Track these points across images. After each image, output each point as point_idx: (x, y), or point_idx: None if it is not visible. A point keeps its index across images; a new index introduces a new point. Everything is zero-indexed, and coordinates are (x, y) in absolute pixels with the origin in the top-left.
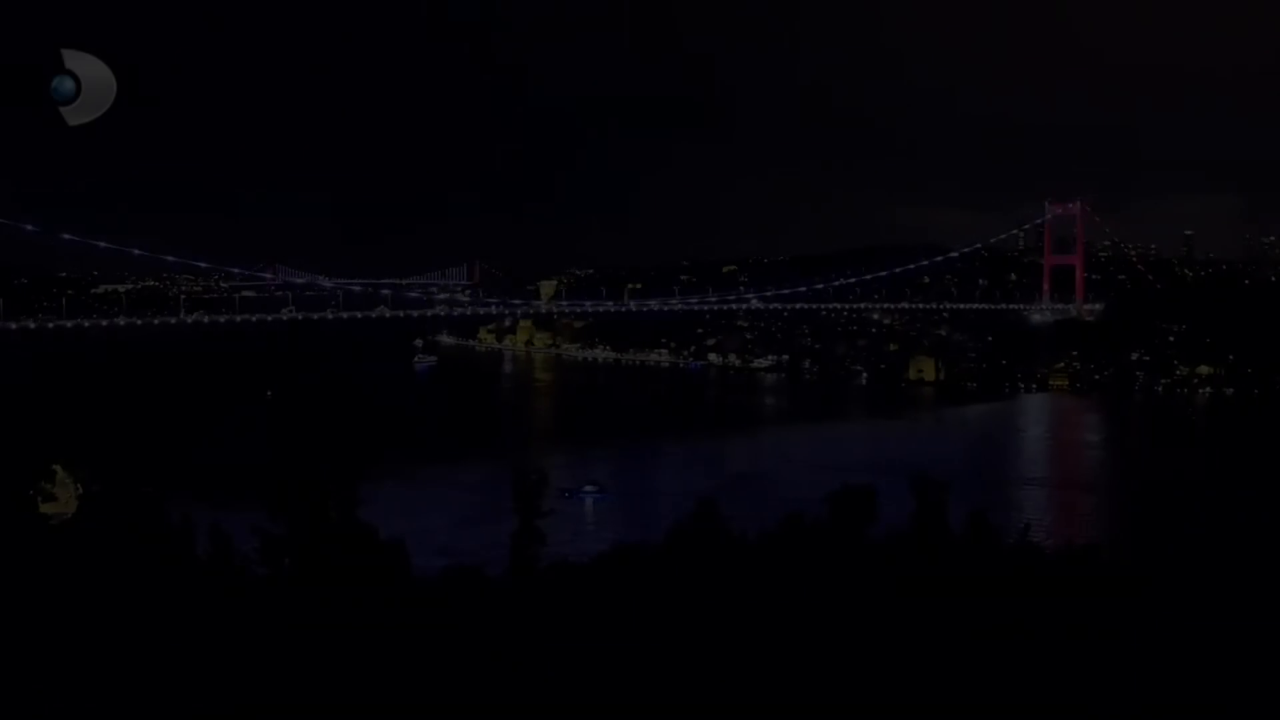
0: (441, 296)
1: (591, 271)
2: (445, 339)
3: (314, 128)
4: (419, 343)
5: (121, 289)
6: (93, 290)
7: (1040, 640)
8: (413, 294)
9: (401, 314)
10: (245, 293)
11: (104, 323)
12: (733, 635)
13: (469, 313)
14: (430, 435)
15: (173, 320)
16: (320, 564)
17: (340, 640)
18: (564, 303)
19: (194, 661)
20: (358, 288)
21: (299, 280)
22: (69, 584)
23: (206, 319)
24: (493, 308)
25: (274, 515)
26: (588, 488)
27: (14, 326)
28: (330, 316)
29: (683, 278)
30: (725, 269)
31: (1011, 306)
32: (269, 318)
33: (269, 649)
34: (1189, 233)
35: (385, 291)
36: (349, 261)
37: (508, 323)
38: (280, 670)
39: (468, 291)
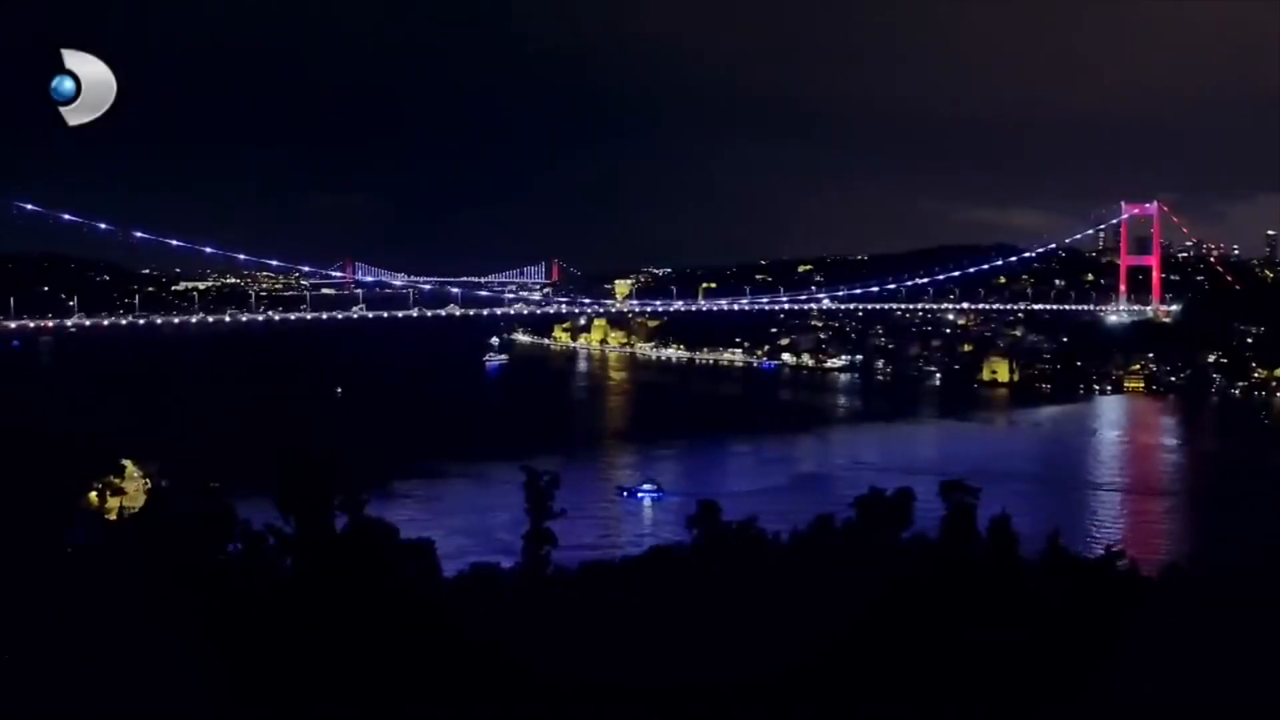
0: (510, 295)
1: (669, 271)
2: (521, 337)
3: (398, 125)
4: (494, 341)
5: (201, 286)
6: (172, 287)
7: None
8: (483, 293)
9: (471, 313)
10: (324, 290)
11: (176, 320)
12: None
13: (538, 311)
14: (496, 433)
15: (244, 318)
16: (321, 564)
17: (333, 640)
18: (634, 302)
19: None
20: (427, 286)
21: (368, 279)
22: (118, 580)
23: (278, 316)
24: (562, 306)
25: (284, 515)
26: (645, 486)
27: (87, 323)
28: (400, 315)
29: (757, 277)
30: (800, 269)
31: (1086, 307)
32: (339, 315)
33: (268, 648)
34: (1271, 233)
35: (455, 290)
36: (430, 260)
37: (583, 321)
38: (278, 669)
39: (547, 290)
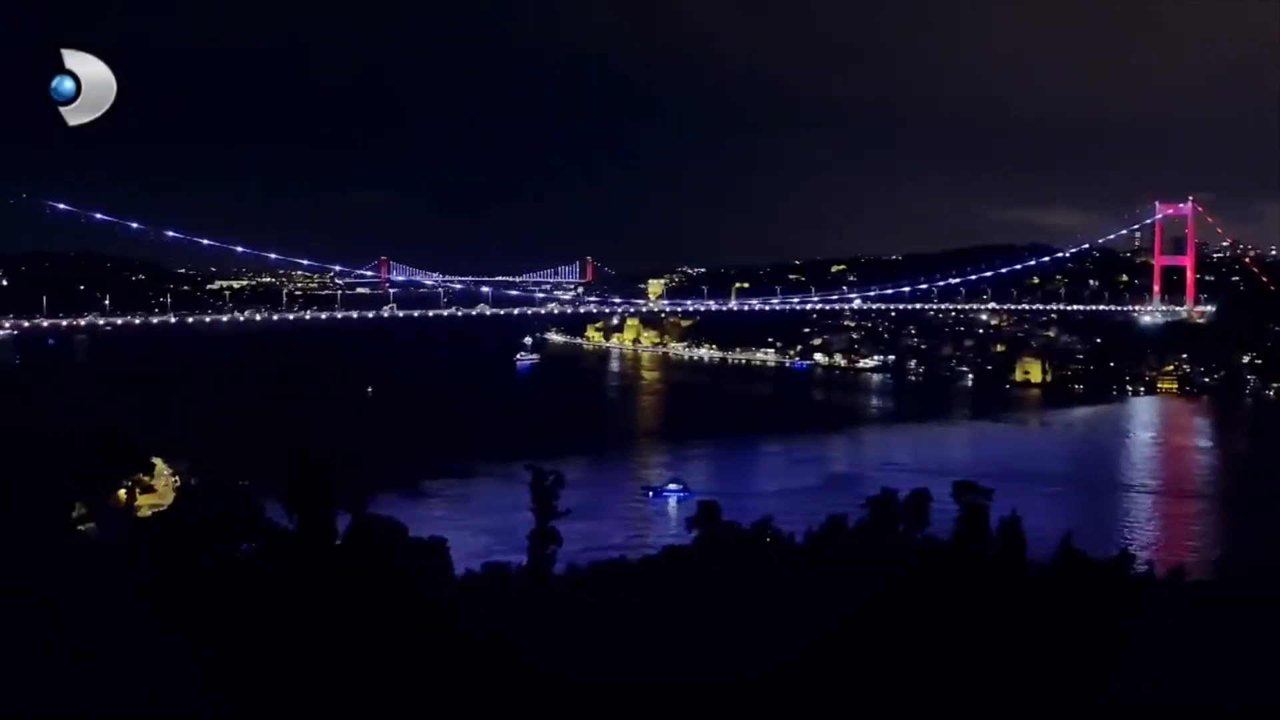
0: (540, 295)
1: (703, 270)
2: (554, 337)
3: (436, 125)
4: (527, 341)
5: (236, 285)
6: (207, 286)
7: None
8: (513, 291)
9: (501, 312)
10: (360, 289)
11: (206, 318)
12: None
13: (569, 311)
14: (526, 433)
15: (274, 317)
16: (321, 565)
17: (329, 640)
18: (665, 301)
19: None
20: (458, 285)
21: (399, 278)
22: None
23: (309, 315)
24: (593, 306)
25: (289, 515)
26: (671, 486)
27: (119, 321)
28: (431, 314)
29: (791, 277)
30: (834, 269)
31: (1119, 308)
32: (369, 315)
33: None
34: None
35: (486, 290)
36: (467, 259)
37: (615, 321)
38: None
39: (580, 289)
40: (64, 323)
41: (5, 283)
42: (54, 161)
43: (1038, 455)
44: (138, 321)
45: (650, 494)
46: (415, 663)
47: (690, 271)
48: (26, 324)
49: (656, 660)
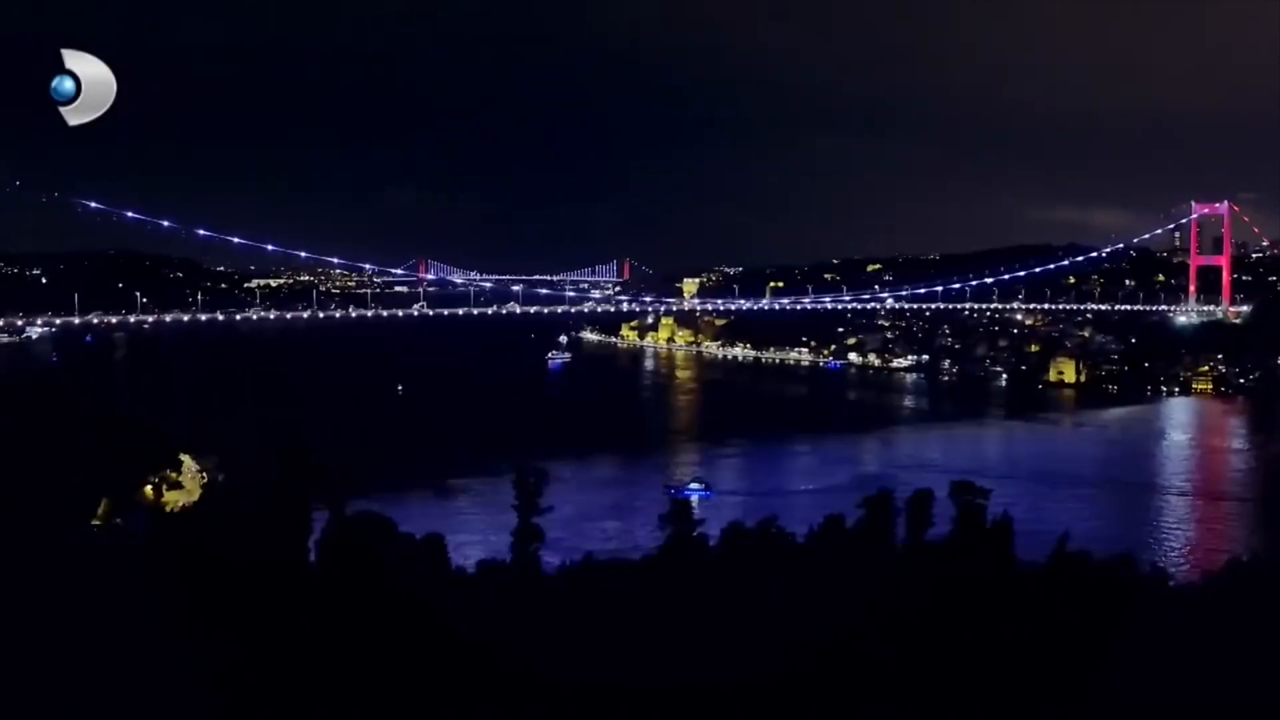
0: (572, 294)
1: (740, 269)
2: (589, 336)
3: (478, 126)
4: (562, 339)
5: (273, 283)
6: (245, 285)
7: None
8: (542, 290)
9: (532, 310)
10: (398, 288)
11: (237, 316)
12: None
13: (599, 310)
14: (556, 431)
15: (305, 314)
16: (306, 563)
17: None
18: (696, 300)
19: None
20: (489, 284)
21: (430, 276)
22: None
23: (338, 314)
24: (624, 305)
25: (278, 514)
26: (693, 485)
27: (148, 320)
28: (462, 313)
29: (826, 276)
30: (870, 268)
31: (1154, 308)
32: (399, 314)
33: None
34: None
35: (516, 288)
36: (512, 259)
37: (650, 320)
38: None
39: (617, 288)
40: (102, 320)
41: (45, 281)
42: (86, 161)
43: (1070, 456)
44: (168, 319)
45: (672, 492)
46: (405, 659)
47: (728, 271)
48: (58, 321)
49: (643, 659)
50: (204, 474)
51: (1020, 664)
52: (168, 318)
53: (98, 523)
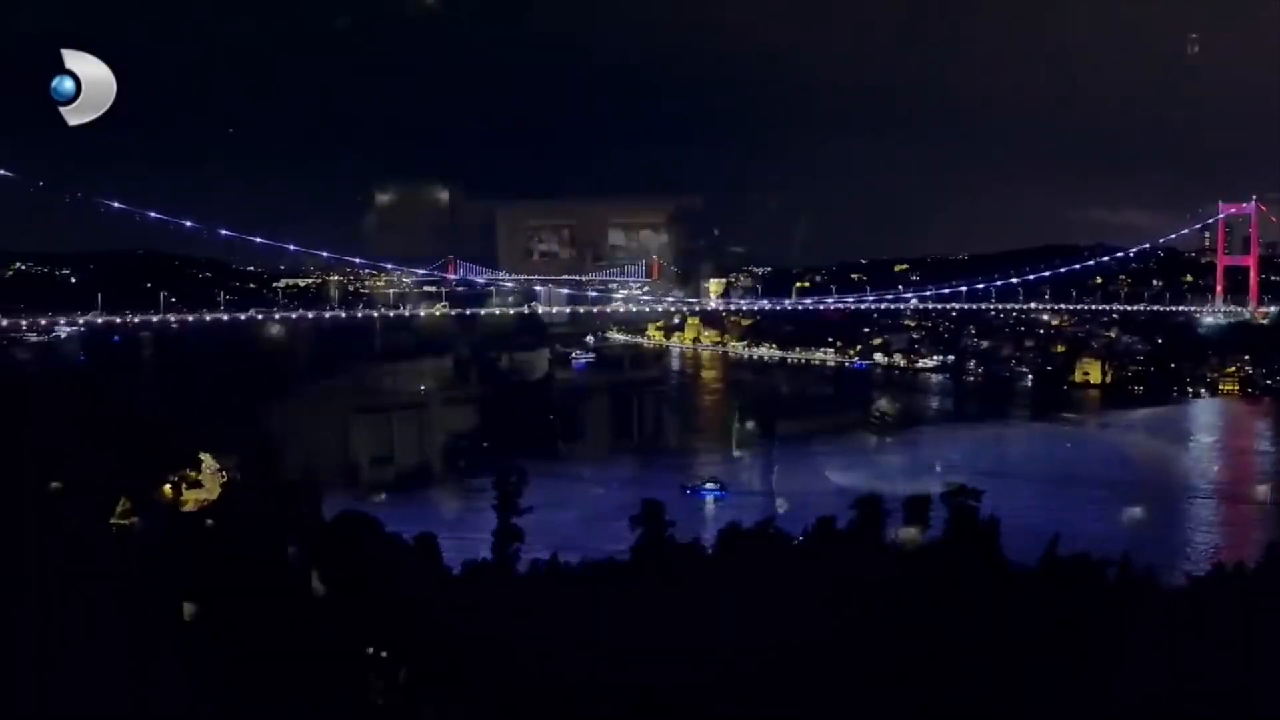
0: (594, 293)
1: (768, 270)
2: (615, 336)
3: (510, 125)
4: (589, 339)
5: (301, 283)
6: (273, 284)
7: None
8: (564, 290)
9: (554, 310)
10: (426, 288)
11: (259, 315)
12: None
13: (621, 310)
14: (575, 431)
15: (326, 314)
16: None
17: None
18: (720, 300)
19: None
20: (510, 284)
21: (452, 277)
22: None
23: (360, 314)
24: (647, 305)
25: (264, 514)
26: (708, 485)
27: (176, 319)
28: (483, 312)
29: (854, 276)
30: (897, 268)
31: (1180, 309)
32: (420, 313)
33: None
34: None
35: (539, 289)
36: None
37: (676, 320)
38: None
39: (644, 287)
40: (128, 320)
41: (74, 281)
42: (105, 160)
43: (1094, 458)
44: (191, 319)
45: (687, 492)
46: (395, 656)
47: (758, 271)
48: (85, 320)
49: (631, 659)
50: (224, 473)
51: (1007, 665)
52: (191, 318)
53: (119, 521)
